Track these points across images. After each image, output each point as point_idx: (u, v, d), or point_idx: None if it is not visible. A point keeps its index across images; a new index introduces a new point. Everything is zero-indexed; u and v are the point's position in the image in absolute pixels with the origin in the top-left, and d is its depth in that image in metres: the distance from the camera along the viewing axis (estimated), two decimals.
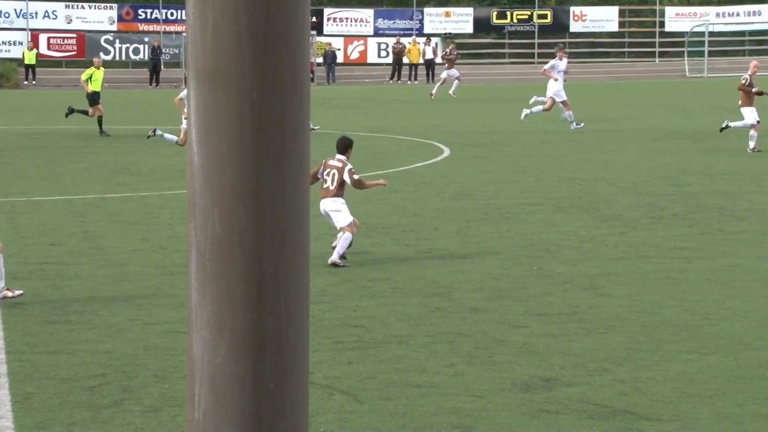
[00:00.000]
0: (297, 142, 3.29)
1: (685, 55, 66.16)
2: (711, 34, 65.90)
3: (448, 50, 50.85)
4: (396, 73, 61.81)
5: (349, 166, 14.81)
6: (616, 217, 17.94)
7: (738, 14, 68.94)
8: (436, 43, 63.07)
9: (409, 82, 61.49)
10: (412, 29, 65.33)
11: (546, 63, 34.86)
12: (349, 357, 10.45)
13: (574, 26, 68.43)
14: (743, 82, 26.98)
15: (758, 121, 26.74)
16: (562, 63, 33.36)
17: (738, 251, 15.06)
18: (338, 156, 14.93)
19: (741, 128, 27.21)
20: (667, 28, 68.81)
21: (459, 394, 9.33)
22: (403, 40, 62.63)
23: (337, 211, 14.64)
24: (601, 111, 38.59)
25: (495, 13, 67.97)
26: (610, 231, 16.74)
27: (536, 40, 67.79)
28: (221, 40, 3.21)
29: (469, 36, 68.83)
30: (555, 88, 32.76)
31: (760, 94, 26.85)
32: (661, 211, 18.39)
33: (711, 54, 65.16)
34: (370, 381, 9.71)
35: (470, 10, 67.93)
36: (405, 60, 62.05)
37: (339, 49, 62.98)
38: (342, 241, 14.55)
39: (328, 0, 67.57)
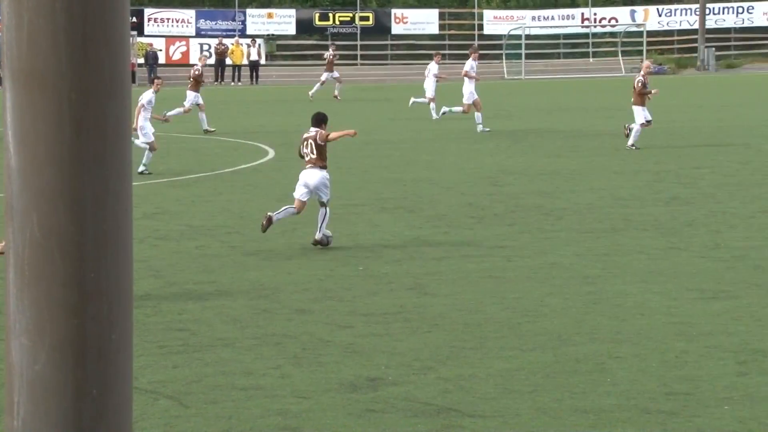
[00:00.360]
0: (119, 143, 3.25)
1: (503, 57, 67.59)
2: (527, 37, 67.50)
3: (329, 53, 50.56)
4: (219, 74, 61.39)
5: (322, 130, 15.82)
6: (439, 217, 18.19)
7: (553, 18, 70.83)
8: (260, 44, 62.88)
9: (232, 84, 61.16)
10: (234, 30, 65.00)
11: (429, 67, 36.75)
12: (174, 361, 10.33)
13: (396, 28, 69.19)
14: (638, 84, 27.70)
15: (648, 121, 27.44)
16: (475, 64, 33.89)
17: (556, 249, 15.44)
18: (312, 128, 15.90)
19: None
20: (486, 31, 70.20)
21: (285, 395, 9.32)
22: (226, 41, 62.25)
23: (324, 186, 15.70)
24: (423, 112, 39.11)
25: (317, 15, 68.21)
26: (433, 231, 16.97)
27: (359, 42, 68.28)
28: (37, 40, 3.14)
29: (292, 37, 68.88)
30: (469, 90, 33.17)
31: (649, 93, 27.53)
32: (483, 211, 18.73)
33: (528, 56, 66.72)
34: (195, 385, 9.62)
35: (293, 12, 67.98)
36: (228, 61, 61.69)
37: (160, 50, 62.22)
38: (326, 219, 15.65)
39: (149, 0, 66.67)
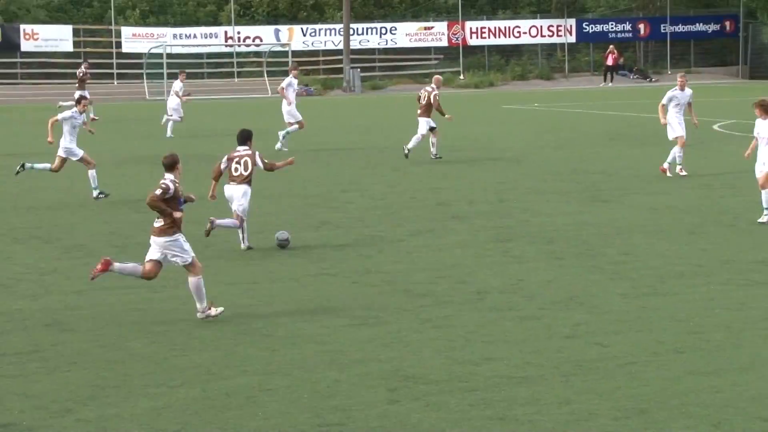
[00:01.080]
0: None
1: (144, 77, 66.42)
2: (169, 56, 66.52)
3: (81, 70, 47.12)
4: None
5: (258, 151, 16.75)
6: (78, 247, 17.35)
7: (195, 36, 70.23)
8: None
9: None
10: None
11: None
12: None
13: (26, 45, 66.58)
14: (423, 95, 29.19)
15: (434, 128, 29.09)
16: (295, 82, 32.76)
17: (205, 278, 14.93)
18: (242, 147, 16.65)
19: (416, 142, 29.13)
20: (125, 49, 68.71)
21: None
22: None
23: (245, 199, 16.64)
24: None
25: None
26: (72, 262, 16.15)
27: None
28: None
29: None
30: (288, 109, 32.31)
31: (440, 112, 29.07)
32: (126, 240, 18.10)
33: (170, 76, 65.81)
34: None
35: None
36: None
37: None
38: (227, 222, 16.70)
39: None
